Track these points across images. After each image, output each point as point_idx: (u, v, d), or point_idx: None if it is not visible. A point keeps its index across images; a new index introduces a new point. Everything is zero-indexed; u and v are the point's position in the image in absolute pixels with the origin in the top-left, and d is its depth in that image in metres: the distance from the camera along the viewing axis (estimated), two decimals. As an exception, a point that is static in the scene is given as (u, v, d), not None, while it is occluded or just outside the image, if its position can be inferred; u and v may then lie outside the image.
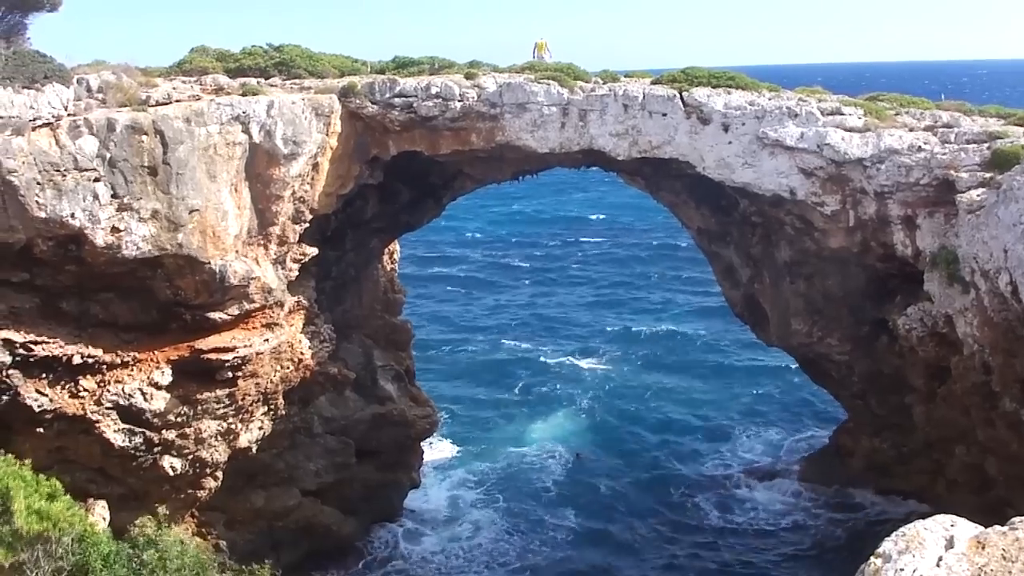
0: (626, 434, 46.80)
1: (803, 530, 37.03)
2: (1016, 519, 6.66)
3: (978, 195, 24.93)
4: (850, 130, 28.45)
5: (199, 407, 27.41)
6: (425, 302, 69.11)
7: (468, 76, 31.38)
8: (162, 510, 19.44)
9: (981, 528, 6.64)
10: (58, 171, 22.00)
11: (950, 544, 6.40)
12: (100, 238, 23.16)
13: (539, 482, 41.76)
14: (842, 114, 29.10)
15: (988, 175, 25.32)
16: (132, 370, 26.05)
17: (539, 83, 30.40)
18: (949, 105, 31.96)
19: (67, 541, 14.50)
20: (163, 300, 26.37)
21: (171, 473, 27.55)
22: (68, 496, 16.11)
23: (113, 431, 25.88)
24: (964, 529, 6.58)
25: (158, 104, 25.28)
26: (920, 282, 27.95)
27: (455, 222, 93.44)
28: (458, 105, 30.15)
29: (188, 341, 26.98)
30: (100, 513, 24.11)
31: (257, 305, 27.90)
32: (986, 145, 26.60)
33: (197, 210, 25.22)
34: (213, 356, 27.12)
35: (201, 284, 26.23)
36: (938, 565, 6.17)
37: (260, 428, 30.04)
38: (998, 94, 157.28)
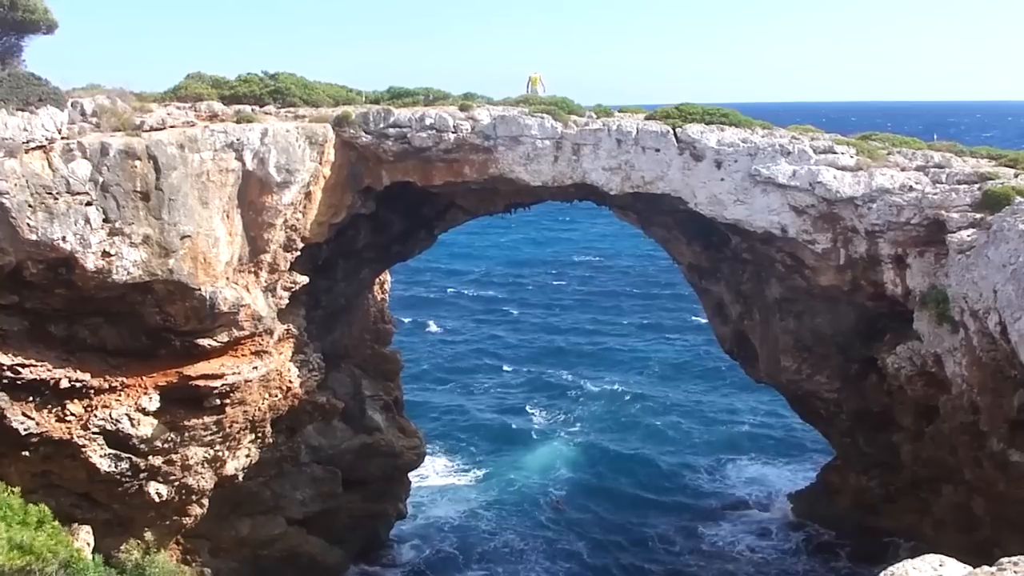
0: (613, 473, 46.57)
1: (789, 570, 36.81)
2: (1004, 560, 6.63)
3: (968, 235, 25.04)
4: (842, 169, 28.57)
5: (186, 434, 27.26)
6: (413, 331, 69.05)
7: (462, 108, 31.39)
8: (148, 536, 19.21)
9: (970, 568, 6.61)
10: (50, 194, 21.94)
11: (939, 584, 6.38)
12: (91, 262, 23.09)
13: (524, 520, 41.56)
14: (834, 153, 29.22)
15: (979, 216, 25.46)
16: (120, 395, 25.92)
17: (533, 116, 30.44)
18: (941, 146, 32.11)
19: (51, 571, 14.35)
20: (152, 326, 26.29)
21: (157, 499, 27.34)
22: (57, 523, 15.96)
23: (99, 456, 25.72)
24: (953, 569, 6.55)
25: (152, 129, 25.28)
26: (910, 321, 27.99)
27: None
28: (452, 137, 30.18)
29: (176, 367, 26.87)
30: (84, 539, 23.92)
31: (246, 332, 27.83)
32: (977, 186, 26.74)
33: (188, 236, 25.18)
34: (201, 383, 27.01)
35: (191, 310, 26.16)
36: (927, 605, 6.15)
37: (247, 456, 29.88)
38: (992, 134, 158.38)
